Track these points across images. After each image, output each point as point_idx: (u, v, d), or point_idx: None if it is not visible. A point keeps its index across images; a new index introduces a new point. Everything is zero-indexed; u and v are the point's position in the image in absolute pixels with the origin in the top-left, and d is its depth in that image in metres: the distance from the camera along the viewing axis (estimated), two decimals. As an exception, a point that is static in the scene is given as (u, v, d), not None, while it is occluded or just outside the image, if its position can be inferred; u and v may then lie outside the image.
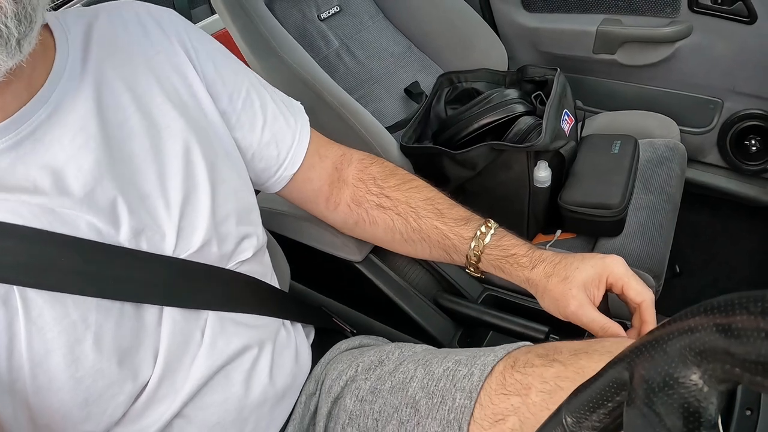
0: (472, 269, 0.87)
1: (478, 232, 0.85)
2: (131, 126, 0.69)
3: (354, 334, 1.07)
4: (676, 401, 0.30)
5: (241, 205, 0.79)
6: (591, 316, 0.73)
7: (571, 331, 1.09)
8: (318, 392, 0.90)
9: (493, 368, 0.75)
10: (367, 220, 0.94)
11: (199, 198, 0.73)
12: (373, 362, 0.88)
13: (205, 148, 0.74)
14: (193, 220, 0.72)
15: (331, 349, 0.96)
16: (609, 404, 0.35)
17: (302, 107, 0.94)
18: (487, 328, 1.17)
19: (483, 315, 1.14)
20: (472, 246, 0.85)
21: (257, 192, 0.89)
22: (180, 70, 0.75)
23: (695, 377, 0.30)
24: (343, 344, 0.97)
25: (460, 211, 0.90)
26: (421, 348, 0.90)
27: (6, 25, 0.52)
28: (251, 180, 0.87)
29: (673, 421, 0.30)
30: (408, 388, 0.80)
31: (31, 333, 0.59)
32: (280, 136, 0.87)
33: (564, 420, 0.38)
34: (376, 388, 0.83)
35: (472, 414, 0.73)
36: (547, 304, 0.80)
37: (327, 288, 1.32)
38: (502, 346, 0.81)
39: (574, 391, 0.39)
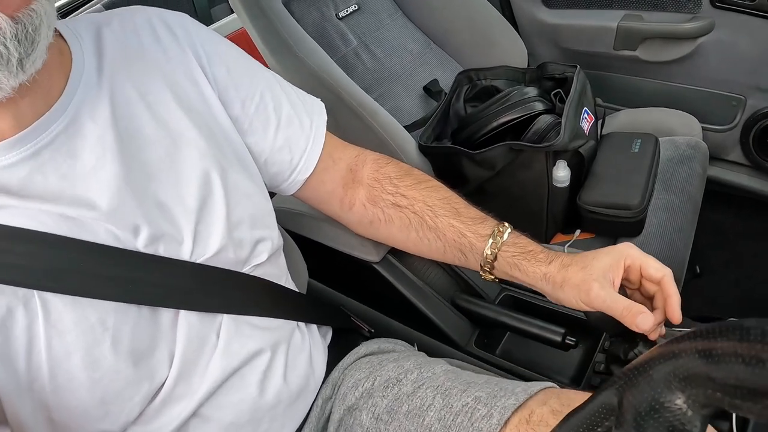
0: (487, 268, 0.85)
1: (496, 230, 0.84)
2: (146, 135, 0.69)
3: (372, 334, 1.07)
4: (662, 425, 0.31)
5: (256, 210, 0.80)
6: (614, 297, 0.71)
7: (587, 332, 1.09)
8: (333, 397, 0.91)
9: (511, 415, 0.76)
10: (382, 218, 0.93)
11: (215, 204, 0.73)
12: (391, 379, 0.87)
13: (217, 155, 0.74)
14: (209, 226, 0.73)
15: (349, 354, 0.96)
16: (598, 429, 0.36)
17: (322, 106, 0.94)
18: (504, 329, 1.16)
19: (500, 316, 1.13)
20: (490, 243, 0.84)
21: (273, 194, 0.90)
22: (192, 77, 0.75)
23: (680, 402, 0.31)
24: (361, 348, 0.97)
25: (476, 211, 0.90)
26: (441, 369, 0.89)
27: (5, 46, 0.53)
28: (266, 183, 0.87)
29: None
30: (425, 416, 0.81)
31: (50, 335, 0.60)
32: (293, 140, 0.86)
33: None
34: (392, 408, 0.84)
35: None
36: (566, 295, 0.77)
37: (345, 287, 1.32)
38: (523, 385, 0.81)
39: (565, 417, 0.39)
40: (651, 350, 0.34)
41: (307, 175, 0.89)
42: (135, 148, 0.68)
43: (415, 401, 0.83)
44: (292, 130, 0.86)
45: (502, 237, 0.84)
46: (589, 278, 0.73)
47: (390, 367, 0.90)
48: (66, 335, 0.61)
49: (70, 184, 0.63)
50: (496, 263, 0.84)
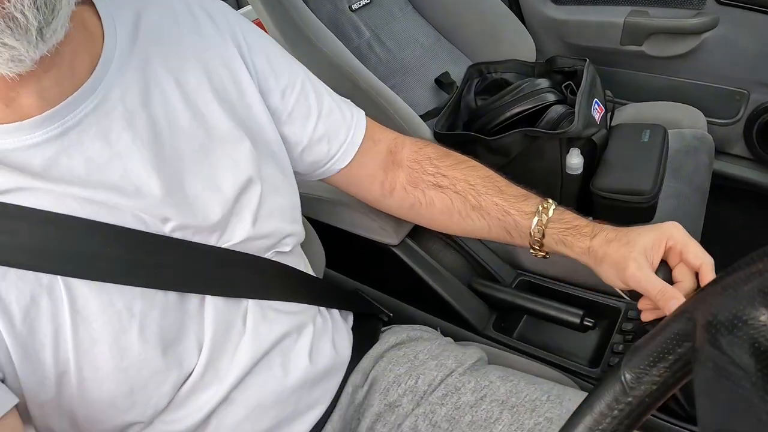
0: (537, 247, 0.85)
1: (540, 207, 0.83)
2: (180, 125, 0.68)
3: (390, 318, 1.08)
4: (746, 341, 0.30)
5: (285, 204, 0.79)
6: (650, 278, 0.69)
7: (603, 314, 1.11)
8: (367, 387, 0.90)
9: None
10: (423, 201, 0.91)
11: (246, 199, 0.73)
12: (443, 381, 0.88)
13: (251, 148, 0.73)
14: (238, 221, 0.72)
15: (378, 343, 0.96)
16: (670, 357, 0.36)
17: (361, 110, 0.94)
18: (522, 312, 1.18)
19: (517, 299, 1.15)
20: (535, 221, 0.83)
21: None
22: (230, 66, 0.74)
23: (764, 318, 0.30)
24: (391, 337, 0.97)
25: (518, 188, 0.89)
26: (496, 377, 0.88)
27: (23, 14, 0.49)
28: (298, 172, 0.86)
29: (745, 360, 0.30)
30: (492, 428, 0.81)
31: (76, 323, 0.59)
32: (333, 130, 0.86)
33: (623, 377, 0.39)
34: (453, 417, 0.84)
35: None
36: (605, 270, 0.76)
37: (361, 274, 1.33)
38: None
39: (634, 347, 0.39)
40: (726, 272, 0.34)
41: (343, 165, 0.89)
42: (167, 136, 0.66)
43: (480, 413, 0.83)
44: (333, 120, 0.86)
45: (547, 214, 0.83)
46: (629, 256, 0.72)
47: (431, 365, 0.90)
48: (92, 323, 0.59)
49: (97, 167, 0.61)
50: (544, 240, 0.83)
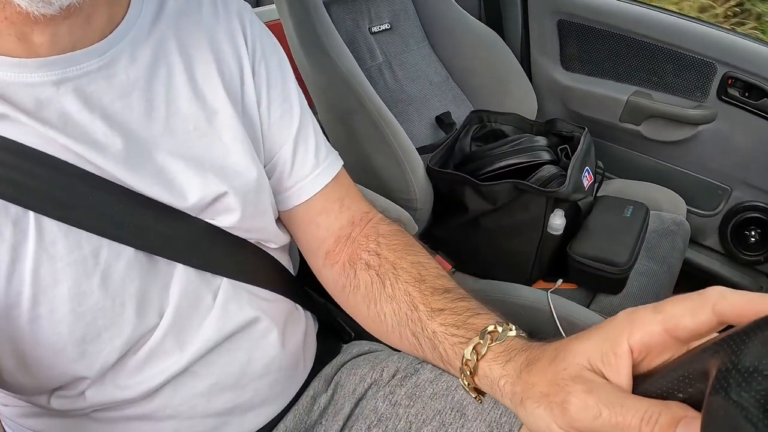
0: (464, 376, 0.55)
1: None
2: (179, 105, 0.69)
3: (351, 338, 1.07)
4: (762, 396, 0.28)
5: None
6: (617, 402, 0.38)
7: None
8: (331, 392, 0.89)
9: None
10: (353, 284, 0.77)
11: (237, 188, 0.72)
12: (404, 368, 0.87)
13: (250, 143, 0.74)
14: (226, 208, 0.72)
15: (341, 353, 0.96)
16: (680, 395, 0.34)
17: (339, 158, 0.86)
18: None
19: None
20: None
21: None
22: (240, 63, 0.75)
23: None
24: (354, 348, 0.97)
25: (447, 281, 0.69)
26: None
27: None
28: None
29: (757, 417, 0.27)
30: (454, 395, 0.81)
31: (41, 259, 0.59)
32: (300, 159, 0.81)
33: None
34: (414, 393, 0.83)
35: None
36: (533, 419, 0.44)
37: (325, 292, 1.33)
38: None
39: (651, 378, 0.37)
40: (755, 321, 0.31)
41: (295, 204, 0.82)
42: (162, 112, 0.68)
43: (441, 384, 0.83)
44: (302, 152, 0.81)
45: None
46: (563, 377, 0.42)
47: (394, 358, 0.90)
48: (57, 262, 0.60)
49: (84, 122, 0.62)
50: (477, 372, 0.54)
